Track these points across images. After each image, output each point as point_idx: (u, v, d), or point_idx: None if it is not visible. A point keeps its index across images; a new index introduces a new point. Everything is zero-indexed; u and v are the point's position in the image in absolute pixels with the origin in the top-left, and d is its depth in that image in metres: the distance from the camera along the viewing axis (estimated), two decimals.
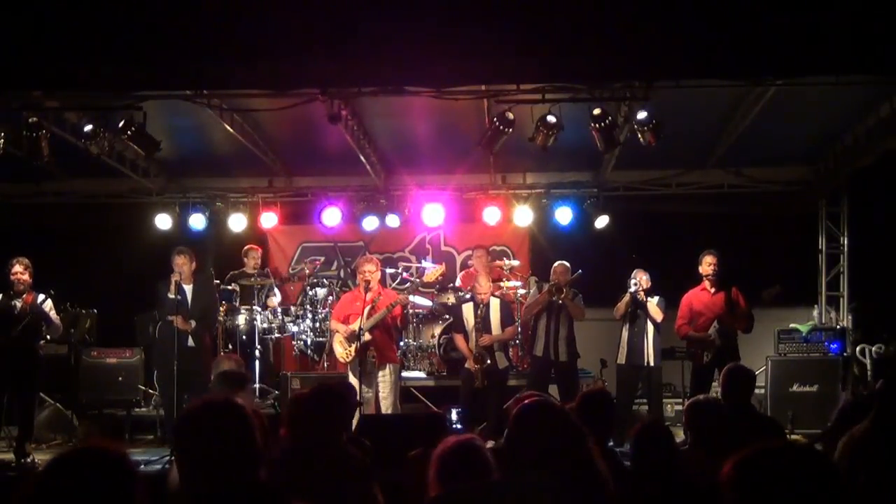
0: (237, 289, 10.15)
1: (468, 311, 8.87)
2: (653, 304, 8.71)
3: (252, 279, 10.22)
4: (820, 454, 2.16)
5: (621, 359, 8.87)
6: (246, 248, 10.59)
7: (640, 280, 8.65)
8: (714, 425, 4.79)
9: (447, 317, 9.94)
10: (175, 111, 8.36)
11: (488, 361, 8.59)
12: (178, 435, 2.64)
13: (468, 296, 9.33)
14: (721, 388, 5.40)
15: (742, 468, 2.07)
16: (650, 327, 8.67)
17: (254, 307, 9.97)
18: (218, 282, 9.81)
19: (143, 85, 6.74)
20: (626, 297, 8.70)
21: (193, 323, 8.54)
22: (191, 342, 8.57)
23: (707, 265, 8.66)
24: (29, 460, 7.83)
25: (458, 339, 8.92)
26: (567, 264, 9.00)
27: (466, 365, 8.75)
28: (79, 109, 8.00)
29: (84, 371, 9.65)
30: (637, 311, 8.71)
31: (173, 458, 7.01)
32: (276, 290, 10.32)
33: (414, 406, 9.54)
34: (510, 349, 10.08)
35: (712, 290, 8.65)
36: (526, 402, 3.21)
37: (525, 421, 3.06)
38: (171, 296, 8.50)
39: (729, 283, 8.63)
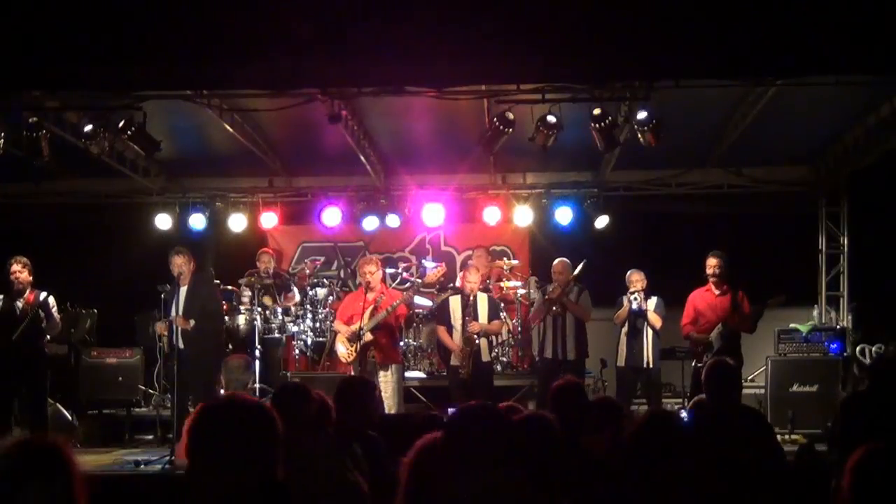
0: (252, 287, 10.03)
1: (455, 303, 8.77)
2: (652, 312, 8.73)
3: (264, 279, 10.14)
4: None
5: (620, 361, 8.90)
6: (260, 251, 10.57)
7: (639, 293, 8.67)
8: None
9: None
10: (175, 111, 8.36)
11: (477, 342, 8.51)
12: (194, 432, 2.58)
13: (456, 288, 9.26)
14: (704, 386, 5.32)
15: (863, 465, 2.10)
16: (649, 330, 8.68)
17: (255, 307, 9.92)
18: (218, 282, 9.79)
19: (143, 85, 6.75)
20: (626, 308, 8.74)
21: (192, 322, 8.45)
22: (179, 344, 8.37)
23: (708, 267, 8.65)
24: None
25: (441, 332, 8.79)
26: (567, 261, 8.97)
27: (451, 361, 8.65)
28: (79, 109, 7.99)
29: (84, 371, 9.65)
30: (637, 320, 8.75)
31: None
32: (293, 287, 10.30)
33: (414, 406, 9.53)
34: (510, 349, 10.09)
35: (717, 291, 8.65)
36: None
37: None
38: (159, 288, 8.44)
39: (737, 285, 8.62)
